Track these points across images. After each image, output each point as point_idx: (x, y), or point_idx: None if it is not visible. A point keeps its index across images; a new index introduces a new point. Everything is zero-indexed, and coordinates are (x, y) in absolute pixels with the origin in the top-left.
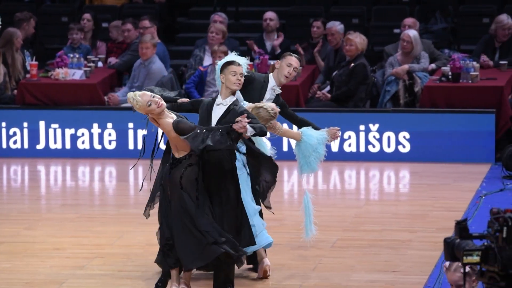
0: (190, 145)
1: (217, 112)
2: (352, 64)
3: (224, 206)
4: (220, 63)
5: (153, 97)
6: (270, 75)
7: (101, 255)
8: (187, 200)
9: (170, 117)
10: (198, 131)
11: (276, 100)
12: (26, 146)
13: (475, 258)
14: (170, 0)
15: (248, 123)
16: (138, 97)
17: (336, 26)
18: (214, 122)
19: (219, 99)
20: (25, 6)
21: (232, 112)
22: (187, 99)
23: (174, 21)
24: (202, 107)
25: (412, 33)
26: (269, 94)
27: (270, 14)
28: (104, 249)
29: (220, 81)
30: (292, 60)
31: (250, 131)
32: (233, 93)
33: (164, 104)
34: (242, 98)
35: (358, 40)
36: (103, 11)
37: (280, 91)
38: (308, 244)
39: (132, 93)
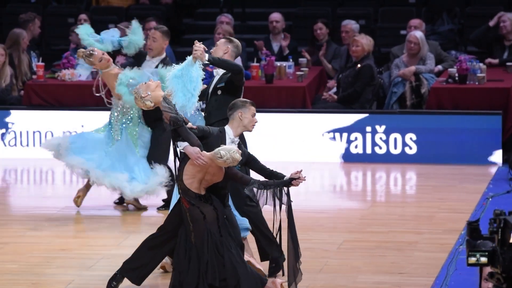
0: (251, 196)
1: None
2: (359, 66)
3: None
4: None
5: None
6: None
7: (108, 256)
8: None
9: None
10: (255, 185)
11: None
12: (34, 146)
13: (473, 259)
14: (176, 1)
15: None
16: (237, 155)
17: (352, 24)
18: None
19: (230, 134)
20: (31, 7)
21: (243, 153)
22: (193, 125)
23: (180, 23)
24: (213, 139)
25: (419, 34)
26: None
27: (276, 16)
28: (111, 250)
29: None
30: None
31: None
32: (242, 133)
33: None
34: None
35: (365, 41)
36: (110, 12)
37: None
38: (314, 245)
39: (229, 153)
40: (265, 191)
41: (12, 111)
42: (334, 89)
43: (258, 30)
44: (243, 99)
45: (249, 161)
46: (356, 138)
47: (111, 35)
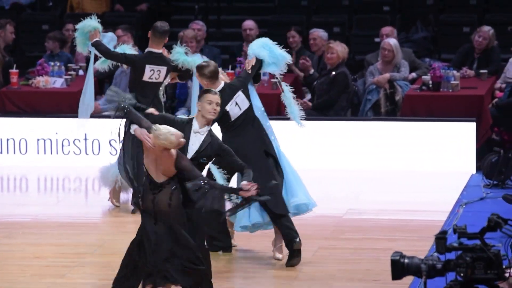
0: (190, 194)
1: (194, 142)
2: (333, 73)
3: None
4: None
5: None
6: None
7: (82, 263)
8: (176, 227)
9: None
10: (201, 183)
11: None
12: (7, 153)
13: None
14: (151, 9)
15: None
16: (172, 137)
17: (319, 32)
18: (191, 153)
19: (195, 126)
20: (6, 14)
21: (210, 146)
22: (156, 111)
23: None
24: (177, 128)
25: (393, 41)
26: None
27: (249, 24)
28: (85, 258)
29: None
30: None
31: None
32: (209, 122)
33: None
34: None
35: (339, 48)
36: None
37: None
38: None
39: (165, 130)
40: (212, 191)
41: None
42: (309, 96)
43: (233, 37)
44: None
45: (222, 153)
46: (331, 145)
47: (108, 41)
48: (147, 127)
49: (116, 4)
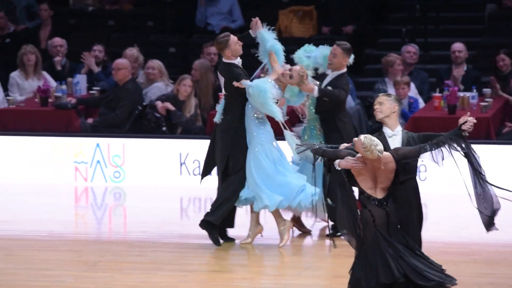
0: (430, 157)
1: (396, 145)
2: None
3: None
4: None
5: None
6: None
7: (285, 285)
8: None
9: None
10: (428, 149)
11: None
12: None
13: None
14: (357, 31)
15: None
16: (376, 150)
17: None
18: None
19: (387, 131)
20: (215, 38)
21: (412, 139)
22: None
23: (362, 52)
24: None
25: None
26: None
27: (458, 46)
28: (290, 280)
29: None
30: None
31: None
32: (388, 123)
33: None
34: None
35: None
36: (292, 43)
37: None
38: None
39: (368, 139)
40: (440, 149)
41: (196, 141)
42: None
43: (441, 60)
44: None
45: (423, 137)
46: None
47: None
48: (347, 154)
49: (323, 27)
